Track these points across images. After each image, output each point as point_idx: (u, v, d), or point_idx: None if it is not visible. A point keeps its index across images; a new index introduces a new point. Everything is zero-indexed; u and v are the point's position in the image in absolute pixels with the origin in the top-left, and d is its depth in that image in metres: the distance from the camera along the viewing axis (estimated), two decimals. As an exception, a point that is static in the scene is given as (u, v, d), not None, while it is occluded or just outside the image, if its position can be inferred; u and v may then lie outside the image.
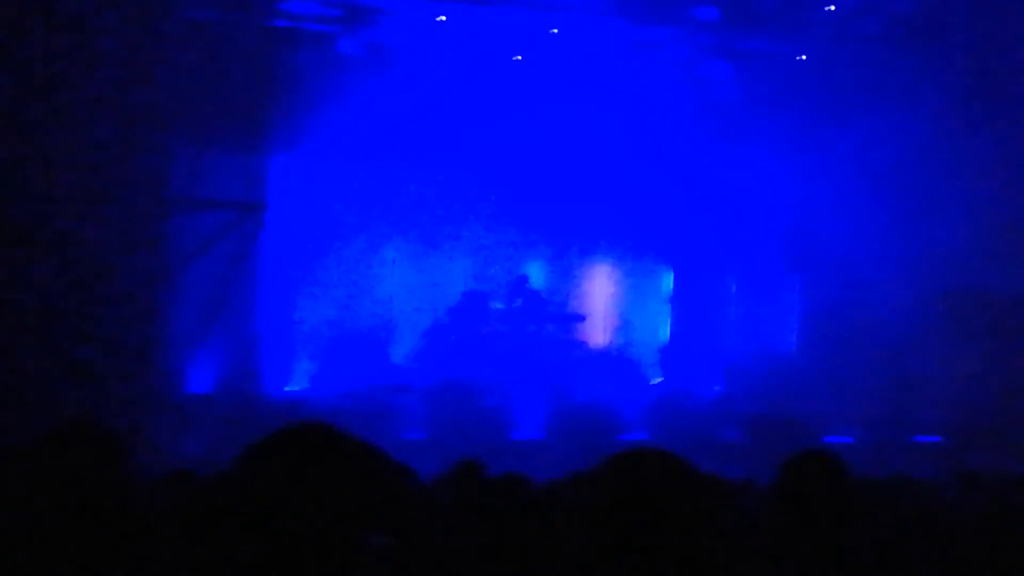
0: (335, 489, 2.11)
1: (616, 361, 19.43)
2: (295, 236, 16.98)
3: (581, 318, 19.37)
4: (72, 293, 11.39)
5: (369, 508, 2.16)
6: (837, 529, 3.47)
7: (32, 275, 11.45)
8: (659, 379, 19.88)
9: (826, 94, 17.83)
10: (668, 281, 20.42)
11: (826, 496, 3.45)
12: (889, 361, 17.65)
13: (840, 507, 3.44)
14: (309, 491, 2.10)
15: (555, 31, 17.61)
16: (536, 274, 19.07)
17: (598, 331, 19.74)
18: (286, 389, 17.29)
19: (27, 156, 11.21)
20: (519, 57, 18.09)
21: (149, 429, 11.65)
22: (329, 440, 2.18)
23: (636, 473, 2.16)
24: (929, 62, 17.10)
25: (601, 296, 19.77)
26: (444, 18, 17.22)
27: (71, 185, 11.27)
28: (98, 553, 2.81)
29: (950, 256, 17.01)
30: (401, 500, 4.82)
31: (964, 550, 4.48)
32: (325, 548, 2.08)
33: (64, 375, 11.43)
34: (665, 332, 20.42)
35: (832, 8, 16.80)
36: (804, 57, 18.48)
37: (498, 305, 18.46)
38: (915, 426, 16.82)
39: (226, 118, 13.61)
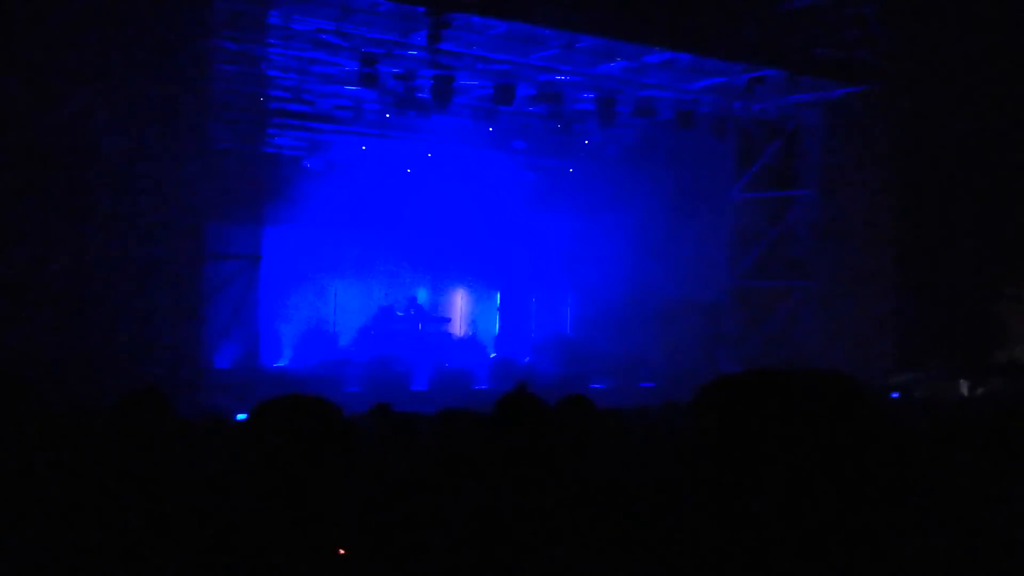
0: (307, 428, 2.68)
1: (469, 343, 23.59)
2: (280, 273, 19.79)
3: (448, 320, 23.52)
4: (144, 304, 13.55)
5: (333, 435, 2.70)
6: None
7: (118, 291, 13.35)
8: (494, 354, 23.68)
9: (585, 190, 23.25)
10: (497, 297, 25.05)
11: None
12: (623, 340, 21.99)
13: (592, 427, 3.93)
14: (291, 429, 2.70)
15: (430, 155, 22.17)
16: (421, 294, 23.29)
17: (458, 326, 24.03)
18: (276, 364, 19.86)
19: (131, 217, 13.35)
20: (409, 170, 22.49)
21: (192, 392, 13.61)
22: (305, 404, 2.75)
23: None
24: (645, 171, 22.14)
25: (459, 306, 24.45)
26: (364, 147, 21.49)
27: (139, 251, 13.53)
28: (154, 484, 3.30)
29: (661, 279, 21.81)
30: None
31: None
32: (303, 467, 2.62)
33: (138, 356, 13.30)
34: (496, 327, 24.95)
35: (587, 142, 22.12)
36: (571, 170, 23.80)
37: (400, 313, 22.32)
38: (641, 376, 20.79)
39: (237, 205, 15.97)
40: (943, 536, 2.49)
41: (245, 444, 2.77)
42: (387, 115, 19.87)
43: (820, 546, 1.94)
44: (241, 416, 11.13)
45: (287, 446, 2.73)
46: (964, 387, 17.79)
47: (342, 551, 2.72)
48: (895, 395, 15.92)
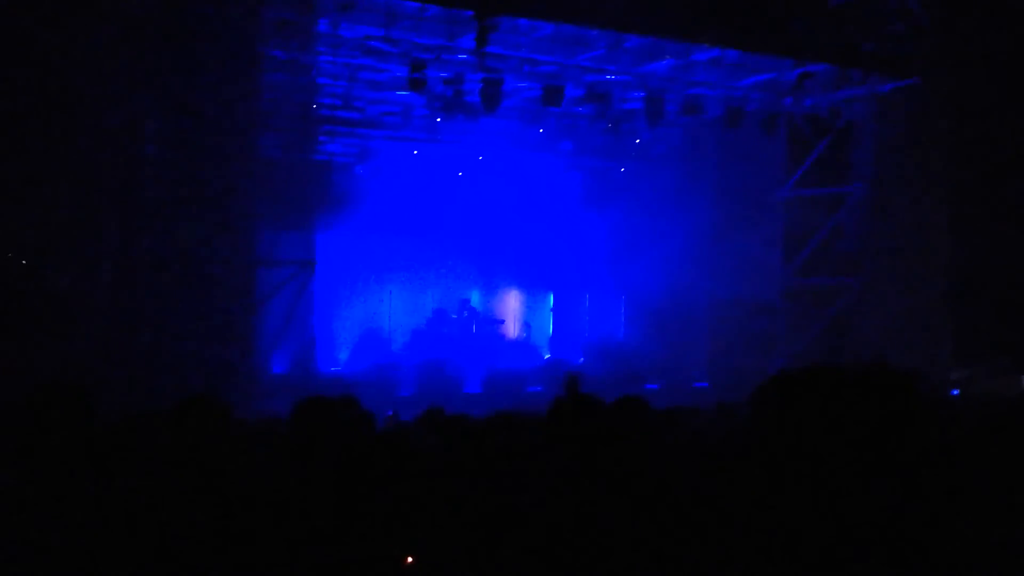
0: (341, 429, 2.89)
1: (523, 345, 23.59)
2: (334, 278, 19.96)
3: (501, 321, 23.50)
4: (197, 311, 13.55)
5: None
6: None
7: (171, 299, 13.36)
8: (548, 355, 23.72)
9: (635, 190, 23.18)
10: (551, 299, 25.07)
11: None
12: (676, 341, 21.99)
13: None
14: (330, 430, 2.90)
15: (480, 158, 22.21)
16: (474, 297, 23.37)
17: (511, 328, 24.03)
18: (331, 369, 19.94)
19: (183, 225, 13.38)
20: (460, 173, 22.64)
21: (250, 397, 13.57)
22: (339, 403, 2.96)
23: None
24: (695, 170, 22.29)
25: (513, 308, 24.46)
26: (416, 152, 21.60)
27: (191, 259, 13.55)
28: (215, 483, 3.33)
29: (712, 278, 21.76)
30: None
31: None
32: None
33: (192, 363, 13.28)
34: (550, 328, 24.93)
35: (637, 141, 22.04)
36: (622, 170, 23.73)
37: (453, 316, 22.39)
38: (694, 377, 21.12)
39: (291, 211, 15.94)
40: (997, 537, 2.40)
41: (283, 446, 2.88)
42: (437, 119, 19.93)
43: (876, 544, 1.90)
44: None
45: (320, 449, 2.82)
46: (1024, 383, 17.39)
47: (410, 559, 2.72)
48: (955, 392, 15.58)
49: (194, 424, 3.74)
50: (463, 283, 23.66)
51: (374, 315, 22.47)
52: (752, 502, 1.96)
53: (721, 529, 2.07)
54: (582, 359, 22.81)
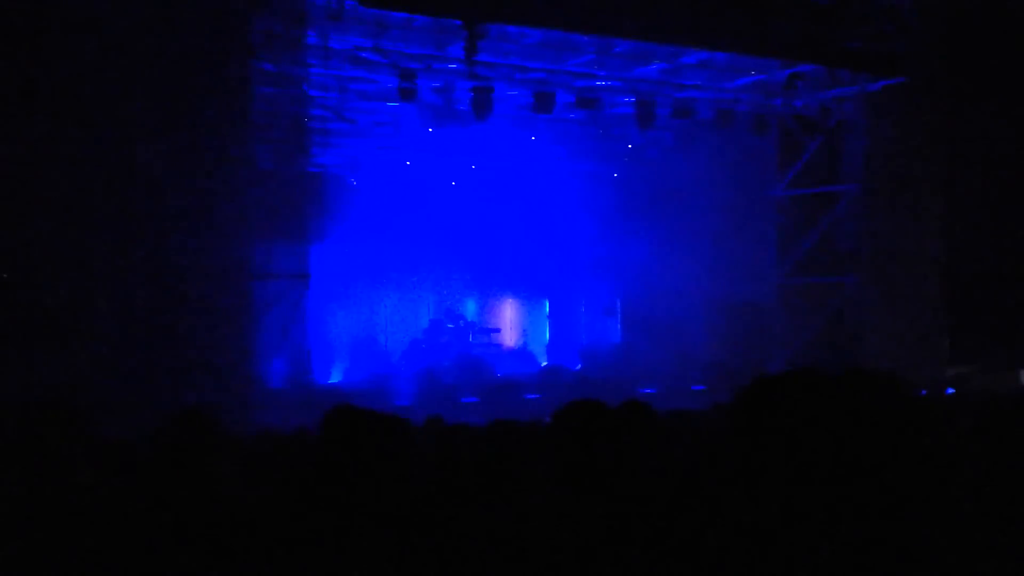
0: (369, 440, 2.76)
1: (519, 353, 23.80)
2: (329, 290, 19.94)
3: (497, 330, 23.72)
4: (192, 325, 13.56)
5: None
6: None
7: (165, 314, 13.38)
8: (545, 362, 23.72)
9: (628, 194, 23.37)
10: (546, 306, 25.26)
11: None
12: (672, 344, 21.92)
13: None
14: (351, 443, 2.76)
15: (473, 167, 22.20)
16: (470, 306, 23.72)
17: (507, 336, 24.23)
18: (328, 380, 19.91)
19: (176, 240, 13.37)
20: (453, 183, 22.63)
21: (247, 410, 13.56)
22: (362, 415, 2.84)
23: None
24: (688, 173, 22.33)
25: (508, 317, 24.75)
26: (408, 162, 21.67)
27: (184, 273, 13.52)
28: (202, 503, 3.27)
29: (707, 280, 21.85)
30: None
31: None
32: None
33: (188, 378, 13.31)
34: (546, 335, 25.12)
35: (629, 146, 22.12)
36: (615, 175, 23.87)
37: (449, 325, 22.54)
38: (692, 379, 20.51)
39: (285, 223, 15.80)
40: (985, 537, 2.42)
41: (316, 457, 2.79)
42: (428, 129, 19.91)
43: (855, 550, 1.90)
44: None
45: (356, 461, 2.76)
46: (1023, 378, 17.40)
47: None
48: (950, 391, 15.56)
49: (187, 438, 3.69)
50: (459, 292, 23.86)
51: (370, 326, 22.58)
52: (736, 505, 1.96)
53: (710, 532, 2.07)
54: (580, 365, 22.89)
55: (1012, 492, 2.79)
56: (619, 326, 24.53)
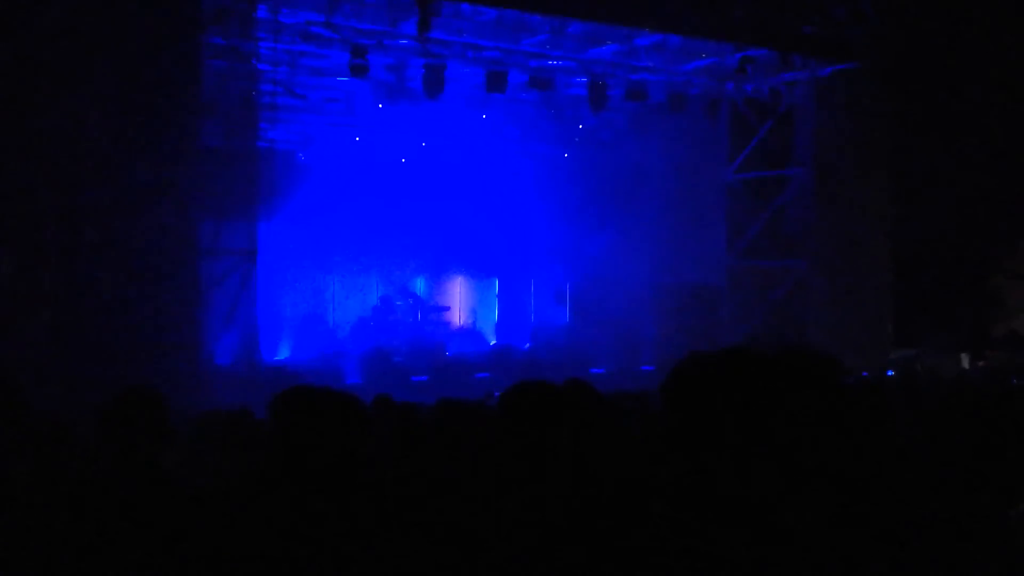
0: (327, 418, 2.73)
1: (469, 332, 23.90)
2: (277, 268, 19.90)
3: (447, 308, 23.61)
4: (139, 302, 13.37)
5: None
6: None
7: (111, 290, 13.21)
8: (494, 341, 23.93)
9: (579, 176, 23.38)
10: (496, 285, 25.17)
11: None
12: (622, 324, 22.02)
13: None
14: (312, 418, 2.74)
15: (424, 144, 21.95)
16: (419, 284, 23.59)
17: (457, 315, 24.21)
18: (275, 358, 19.76)
19: (124, 216, 13.21)
20: (403, 160, 22.36)
21: (195, 389, 13.40)
22: (317, 394, 2.81)
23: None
24: (639, 155, 22.46)
25: (458, 295, 24.66)
26: (358, 139, 21.45)
27: (132, 249, 13.37)
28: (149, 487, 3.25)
29: (657, 262, 22.11)
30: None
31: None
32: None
33: (134, 355, 13.06)
34: (496, 314, 25.05)
35: (580, 127, 22.13)
36: (566, 155, 23.82)
37: (399, 303, 22.42)
38: (641, 360, 21.16)
39: (231, 200, 15.69)
40: (930, 524, 2.46)
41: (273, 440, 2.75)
42: (379, 105, 19.79)
43: (784, 535, 1.93)
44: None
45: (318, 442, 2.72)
46: (965, 361, 17.70)
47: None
48: (890, 372, 15.81)
49: (130, 416, 3.63)
50: (409, 271, 23.71)
51: (318, 304, 22.45)
52: (670, 485, 1.98)
53: (648, 514, 2.10)
54: (528, 345, 22.95)
55: (950, 469, 2.84)
56: (567, 309, 24.59)
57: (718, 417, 1.96)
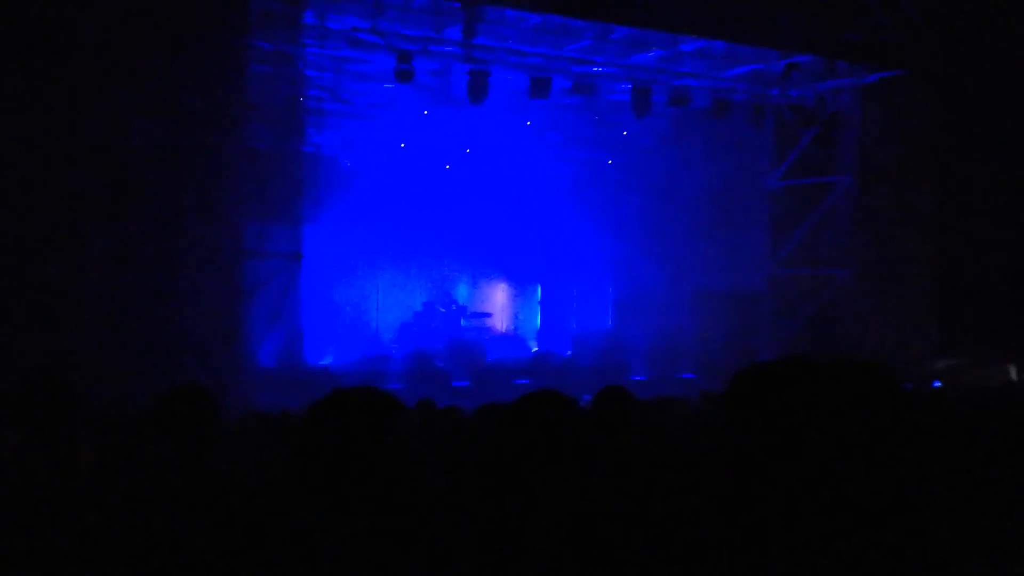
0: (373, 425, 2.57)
1: (511, 338, 23.96)
2: (322, 271, 20.02)
3: (488, 315, 23.80)
4: (184, 304, 13.63)
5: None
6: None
7: (157, 291, 13.41)
8: (536, 348, 23.81)
9: (623, 182, 23.72)
10: (539, 290, 25.27)
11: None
12: (663, 332, 21.81)
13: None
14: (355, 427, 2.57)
15: (468, 150, 22.16)
16: (462, 290, 23.75)
17: (499, 321, 24.34)
18: (319, 362, 19.85)
19: (170, 218, 13.44)
20: (447, 166, 22.58)
21: (239, 390, 13.69)
22: (357, 395, 2.62)
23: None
24: (682, 162, 22.61)
25: (500, 301, 24.83)
26: (403, 144, 21.58)
27: (177, 251, 13.62)
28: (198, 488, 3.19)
29: (699, 269, 22.19)
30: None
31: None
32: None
33: (180, 356, 13.37)
34: (537, 321, 25.18)
35: (624, 133, 22.15)
36: (610, 161, 23.93)
37: (441, 309, 22.68)
38: (681, 367, 21.14)
39: (279, 203, 15.87)
40: (972, 531, 2.43)
41: (307, 442, 2.70)
42: (424, 111, 19.91)
43: (844, 540, 1.91)
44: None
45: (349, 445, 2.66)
46: (1013, 372, 17.47)
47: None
48: (936, 384, 15.60)
49: (182, 415, 3.63)
50: (452, 276, 23.87)
51: (362, 308, 22.54)
52: (729, 493, 1.96)
53: (701, 521, 2.07)
54: (570, 351, 22.87)
55: (998, 483, 2.81)
56: (610, 313, 24.43)
57: (790, 424, 1.94)
